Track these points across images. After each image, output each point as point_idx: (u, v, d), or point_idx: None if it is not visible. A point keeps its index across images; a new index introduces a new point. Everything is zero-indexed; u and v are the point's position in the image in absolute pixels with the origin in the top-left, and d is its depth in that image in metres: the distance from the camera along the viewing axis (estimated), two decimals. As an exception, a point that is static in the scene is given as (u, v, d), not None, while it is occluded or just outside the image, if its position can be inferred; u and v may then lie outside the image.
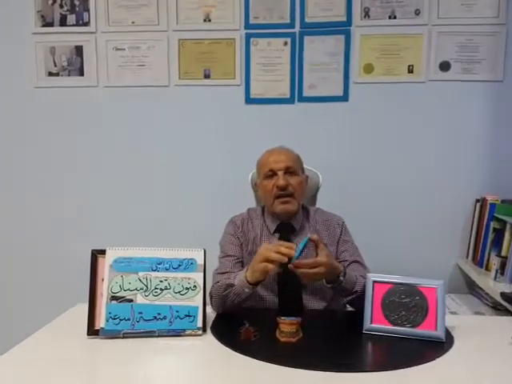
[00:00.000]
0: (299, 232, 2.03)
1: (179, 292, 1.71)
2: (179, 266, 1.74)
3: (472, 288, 2.80)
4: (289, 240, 1.99)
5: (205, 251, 1.78)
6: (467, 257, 2.84)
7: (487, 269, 2.62)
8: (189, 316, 1.69)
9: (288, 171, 1.95)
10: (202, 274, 1.74)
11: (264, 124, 2.84)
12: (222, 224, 2.09)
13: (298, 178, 1.98)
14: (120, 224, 2.97)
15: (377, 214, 2.86)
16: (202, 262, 1.75)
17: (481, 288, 2.57)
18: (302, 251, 1.66)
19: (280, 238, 2.01)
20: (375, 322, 1.73)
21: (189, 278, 1.73)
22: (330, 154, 2.82)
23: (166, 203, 2.96)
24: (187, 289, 1.72)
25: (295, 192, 1.96)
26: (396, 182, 2.86)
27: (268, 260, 1.66)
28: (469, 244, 2.83)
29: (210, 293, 1.91)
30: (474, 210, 2.80)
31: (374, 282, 1.78)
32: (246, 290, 1.76)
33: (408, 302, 1.73)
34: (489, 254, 2.63)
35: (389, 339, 1.68)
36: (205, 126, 2.90)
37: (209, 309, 1.88)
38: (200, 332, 1.69)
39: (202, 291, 1.72)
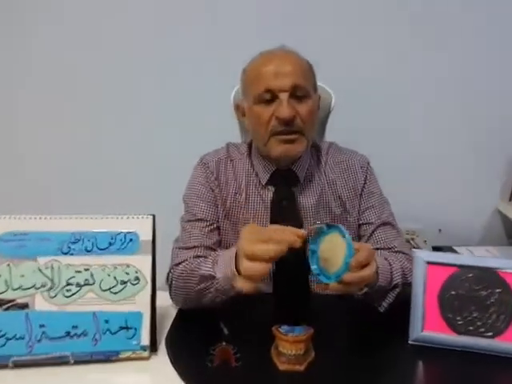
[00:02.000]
0: (306, 185, 1.34)
1: (109, 289, 1.03)
2: (110, 244, 1.04)
3: (515, 238, 2.17)
4: (291, 198, 1.31)
5: (154, 218, 1.08)
6: (510, 199, 2.18)
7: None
8: (126, 328, 1.02)
9: (296, 93, 1.21)
10: (148, 258, 1.05)
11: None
12: (189, 167, 1.38)
13: (310, 102, 1.24)
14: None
15: (401, 149, 2.16)
16: (150, 237, 1.06)
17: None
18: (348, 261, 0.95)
19: (276, 195, 1.32)
20: (429, 327, 1.08)
21: (126, 266, 1.04)
22: (348, 59, 2.05)
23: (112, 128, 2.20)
24: (123, 283, 1.03)
25: (305, 126, 1.22)
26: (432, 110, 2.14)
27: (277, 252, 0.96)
28: (514, 184, 2.17)
29: (169, 278, 1.24)
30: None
31: (429, 263, 1.11)
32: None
33: (484, 298, 1.07)
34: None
35: (451, 356, 1.04)
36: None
37: (164, 306, 1.21)
38: (146, 354, 1.02)
39: (149, 286, 1.04)
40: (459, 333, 1.07)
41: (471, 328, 1.07)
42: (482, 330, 1.06)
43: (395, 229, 1.33)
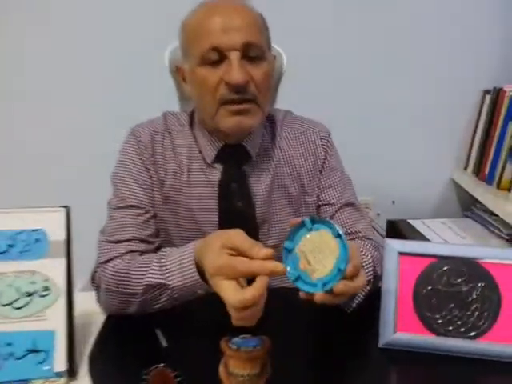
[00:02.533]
0: (259, 163, 1.14)
1: (11, 304, 0.81)
2: (9, 247, 0.82)
3: (469, 209, 2.07)
4: (242, 179, 1.12)
5: (68, 211, 0.86)
6: (466, 168, 2.07)
7: (500, 187, 1.87)
8: (35, 351, 0.81)
9: (248, 53, 0.99)
10: (61, 262, 0.83)
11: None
12: (117, 141, 1.15)
13: (265, 65, 1.02)
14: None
15: (352, 111, 1.98)
16: (63, 236, 0.84)
17: (493, 213, 1.84)
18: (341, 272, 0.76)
19: (224, 175, 1.12)
20: (403, 329, 0.93)
21: (31, 273, 0.82)
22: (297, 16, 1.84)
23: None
24: (29, 295, 0.82)
25: (260, 94, 1.01)
26: (384, 70, 1.97)
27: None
28: (469, 151, 2.06)
29: (96, 279, 1.03)
30: (481, 106, 1.99)
31: (401, 254, 0.95)
32: (200, 290, 0.91)
33: (465, 293, 0.92)
34: (503, 167, 1.87)
35: (428, 360, 0.90)
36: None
37: (85, 313, 1.00)
38: (62, 381, 0.82)
39: (63, 297, 0.83)
40: (437, 334, 0.92)
41: (451, 328, 0.92)
42: (463, 329, 0.91)
43: (358, 210, 1.16)
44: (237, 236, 0.78)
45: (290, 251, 0.79)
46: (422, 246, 0.95)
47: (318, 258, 0.77)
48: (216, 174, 1.11)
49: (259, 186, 1.12)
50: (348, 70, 1.93)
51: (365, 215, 1.17)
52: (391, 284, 0.94)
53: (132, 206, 1.07)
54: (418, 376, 0.89)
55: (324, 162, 1.16)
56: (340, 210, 1.14)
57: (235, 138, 1.09)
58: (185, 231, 1.11)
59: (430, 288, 0.93)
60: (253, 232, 1.12)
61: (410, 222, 2.03)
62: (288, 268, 0.78)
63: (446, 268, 0.93)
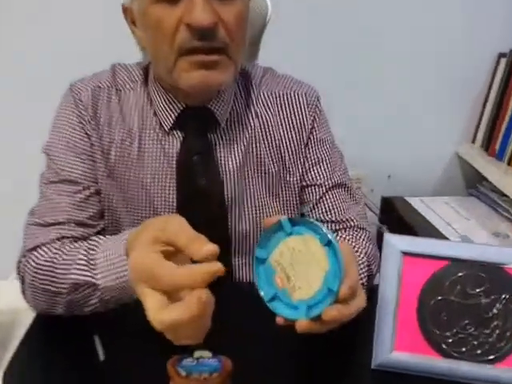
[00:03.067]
0: (229, 131, 0.92)
1: None
2: None
3: (474, 187, 1.87)
4: (207, 151, 0.91)
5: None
6: (473, 141, 1.86)
7: (511, 164, 1.67)
8: None
9: None
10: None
11: None
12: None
13: (238, 3, 0.79)
14: None
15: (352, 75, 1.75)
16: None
17: (502, 193, 1.65)
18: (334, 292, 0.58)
19: (185, 145, 0.90)
20: (402, 347, 0.74)
21: None
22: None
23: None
24: None
25: (232, 42, 0.78)
26: (387, 29, 1.73)
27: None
28: (478, 123, 1.84)
29: (20, 269, 0.83)
30: (495, 71, 1.77)
31: (405, 254, 0.75)
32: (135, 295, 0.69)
33: (484, 307, 0.73)
34: (517, 142, 1.66)
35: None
36: None
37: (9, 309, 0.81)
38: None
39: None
40: (445, 355, 0.73)
41: (463, 349, 0.73)
42: (479, 352, 0.72)
43: (351, 193, 0.96)
44: (174, 226, 0.58)
45: (262, 261, 0.60)
46: (432, 245, 0.75)
47: (301, 273, 0.58)
48: (174, 143, 0.90)
49: (229, 159, 0.91)
50: (346, 24, 1.68)
51: (358, 199, 0.97)
52: (390, 292, 0.74)
53: (68, 181, 0.85)
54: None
55: (311, 133, 0.94)
56: (328, 192, 0.94)
57: (199, 99, 0.87)
58: (136, 213, 0.91)
59: (439, 298, 0.74)
60: (220, 216, 0.92)
61: (408, 199, 1.83)
62: (262, 286, 0.60)
63: (461, 274, 0.73)
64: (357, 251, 0.84)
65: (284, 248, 0.59)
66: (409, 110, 1.82)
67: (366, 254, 0.85)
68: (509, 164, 1.68)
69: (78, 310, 0.77)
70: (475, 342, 0.72)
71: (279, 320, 0.59)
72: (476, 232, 1.62)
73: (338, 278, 0.56)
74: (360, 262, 0.83)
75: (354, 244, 0.86)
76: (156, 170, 0.90)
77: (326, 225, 0.93)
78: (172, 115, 0.88)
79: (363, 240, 0.89)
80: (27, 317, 0.83)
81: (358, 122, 1.76)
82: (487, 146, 1.78)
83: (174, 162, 0.89)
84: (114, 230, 0.90)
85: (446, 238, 1.58)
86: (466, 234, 1.61)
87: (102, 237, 0.76)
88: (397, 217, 1.77)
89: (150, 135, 0.90)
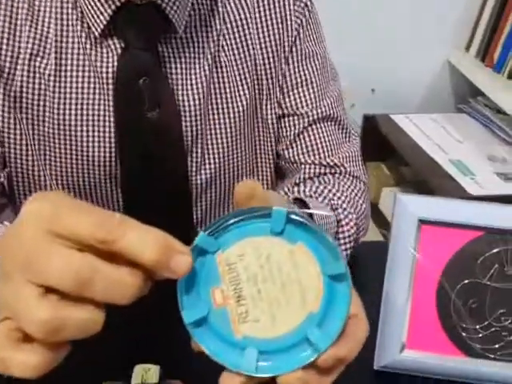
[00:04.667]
0: (190, 40, 0.68)
1: None
2: None
3: (465, 102, 1.68)
4: (158, 69, 0.66)
5: None
6: (468, 49, 1.64)
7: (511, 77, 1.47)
8: None
9: None
10: None
11: None
12: None
13: None
14: None
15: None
16: None
17: (498, 110, 1.46)
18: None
19: (126, 62, 0.65)
20: (415, 345, 0.56)
21: None
22: None
23: None
24: None
25: None
26: None
27: None
28: (475, 27, 1.61)
29: None
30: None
31: (423, 223, 0.54)
32: None
33: (527, 292, 0.54)
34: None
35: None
36: None
37: None
38: None
39: None
40: (471, 354, 0.55)
41: (496, 346, 0.55)
42: (518, 349, 0.55)
43: (343, 128, 0.75)
44: (72, 212, 0.32)
45: (202, 253, 0.35)
46: (459, 209, 0.55)
47: (266, 297, 0.35)
48: (109, 58, 0.65)
49: (188, 85, 0.68)
50: None
51: (353, 138, 0.76)
52: (402, 272, 0.55)
53: None
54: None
55: (295, 42, 0.70)
56: (313, 125, 0.72)
57: None
58: (56, 160, 0.68)
59: (467, 282, 0.55)
60: (178, 162, 0.70)
61: (392, 117, 1.64)
62: (181, 289, 0.35)
63: (498, 249, 0.54)
64: (346, 217, 0.64)
65: (250, 248, 0.35)
66: (395, 11, 1.56)
67: (356, 217, 0.65)
68: (509, 77, 1.47)
69: None
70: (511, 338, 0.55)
71: (196, 347, 0.36)
72: (469, 155, 1.44)
73: (331, 336, 0.35)
74: (347, 233, 0.63)
75: (342, 203, 0.66)
76: (82, 97, 0.66)
77: (305, 166, 0.72)
78: (104, 14, 0.62)
79: (355, 195, 0.69)
80: None
81: (339, 26, 1.50)
82: (484, 55, 1.57)
83: (110, 86, 0.65)
84: (23, 186, 0.67)
85: (437, 163, 1.40)
86: (458, 158, 1.43)
87: None
88: (380, 137, 1.57)
89: (74, 46, 0.65)
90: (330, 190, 0.67)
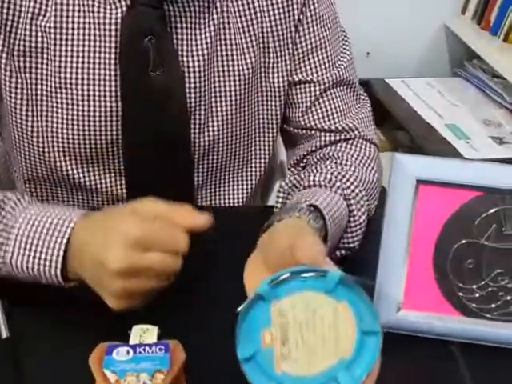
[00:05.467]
0: (195, 3, 0.66)
1: None
2: None
3: (461, 66, 1.66)
4: (163, 30, 0.65)
5: None
6: (464, 12, 1.62)
7: (508, 40, 1.46)
8: None
9: None
10: None
11: None
12: None
13: None
14: None
15: None
16: None
17: (494, 74, 1.45)
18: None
19: (131, 21, 0.64)
20: (412, 304, 0.56)
21: None
22: None
23: None
24: None
25: None
26: None
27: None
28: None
29: None
30: None
31: (421, 183, 0.54)
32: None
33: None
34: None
35: (452, 353, 0.55)
36: None
37: None
38: None
39: None
40: (468, 314, 0.56)
41: (493, 306, 0.55)
42: (515, 309, 0.55)
43: (355, 91, 0.75)
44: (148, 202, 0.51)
45: (262, 299, 0.42)
46: (457, 169, 0.54)
47: (306, 343, 0.42)
48: (114, 15, 0.64)
49: (193, 46, 0.68)
50: None
51: (363, 100, 0.76)
52: (399, 233, 0.55)
53: None
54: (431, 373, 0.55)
55: (304, 5, 0.69)
56: (327, 92, 0.72)
57: None
58: (56, 123, 0.67)
59: (464, 242, 0.54)
60: (181, 124, 0.70)
61: (388, 81, 1.62)
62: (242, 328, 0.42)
63: (496, 209, 0.53)
64: (357, 203, 0.63)
65: (302, 300, 0.42)
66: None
67: (367, 195, 0.65)
68: (505, 40, 1.46)
69: None
70: (508, 298, 0.55)
71: None
72: (464, 119, 1.43)
73: (356, 381, 0.42)
74: (358, 222, 0.63)
75: (355, 188, 0.64)
76: (84, 55, 0.65)
77: (320, 134, 0.72)
78: None
79: (368, 165, 0.69)
80: None
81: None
82: (480, 17, 1.55)
83: (113, 44, 0.64)
84: (21, 152, 0.67)
85: (433, 128, 1.40)
86: (453, 122, 1.42)
87: (18, 202, 0.54)
88: (375, 102, 1.55)
89: (75, 3, 0.64)
90: (343, 176, 0.64)
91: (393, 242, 0.55)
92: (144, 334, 0.49)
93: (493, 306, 0.55)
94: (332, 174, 0.64)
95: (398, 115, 1.48)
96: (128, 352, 0.46)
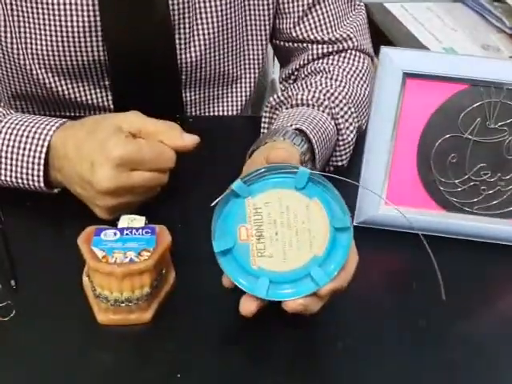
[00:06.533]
0: None
1: None
2: None
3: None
4: None
5: None
6: None
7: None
8: None
9: None
10: None
11: None
12: None
13: None
14: None
15: None
16: None
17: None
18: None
19: None
20: (395, 199, 0.56)
21: None
22: None
23: None
24: None
25: None
26: None
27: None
28: None
29: None
30: None
31: (408, 76, 0.53)
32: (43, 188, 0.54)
33: (508, 146, 0.54)
34: None
35: (434, 246, 0.55)
36: None
37: None
38: None
39: None
40: (450, 208, 0.57)
41: (474, 200, 0.56)
42: (494, 203, 0.56)
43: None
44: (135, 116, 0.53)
45: (236, 196, 0.43)
46: (444, 62, 0.54)
47: (281, 239, 0.43)
48: None
49: None
50: None
51: (358, 6, 0.74)
52: (384, 128, 0.55)
53: None
54: (415, 262, 0.56)
55: None
56: (311, 9, 0.70)
57: None
58: (35, 39, 0.66)
59: (448, 136, 0.55)
60: (166, 35, 0.67)
61: (387, 6, 1.57)
62: (217, 223, 0.43)
63: (482, 102, 0.53)
64: (346, 121, 0.62)
65: (275, 198, 0.43)
66: None
67: (356, 111, 0.64)
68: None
69: None
70: (490, 192, 0.56)
71: (226, 282, 0.44)
72: (462, 43, 1.40)
73: (330, 276, 0.43)
74: (346, 140, 0.62)
75: (344, 106, 0.63)
76: None
77: (312, 46, 0.71)
78: None
79: (360, 79, 0.68)
80: None
81: None
82: None
83: None
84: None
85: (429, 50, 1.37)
86: (451, 46, 1.39)
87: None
88: (373, 27, 1.52)
89: None
90: (332, 94, 0.63)
91: (378, 137, 0.55)
92: (132, 222, 0.50)
93: (474, 200, 0.56)
94: (320, 91, 0.63)
95: (396, 39, 1.45)
96: (115, 233, 0.47)
